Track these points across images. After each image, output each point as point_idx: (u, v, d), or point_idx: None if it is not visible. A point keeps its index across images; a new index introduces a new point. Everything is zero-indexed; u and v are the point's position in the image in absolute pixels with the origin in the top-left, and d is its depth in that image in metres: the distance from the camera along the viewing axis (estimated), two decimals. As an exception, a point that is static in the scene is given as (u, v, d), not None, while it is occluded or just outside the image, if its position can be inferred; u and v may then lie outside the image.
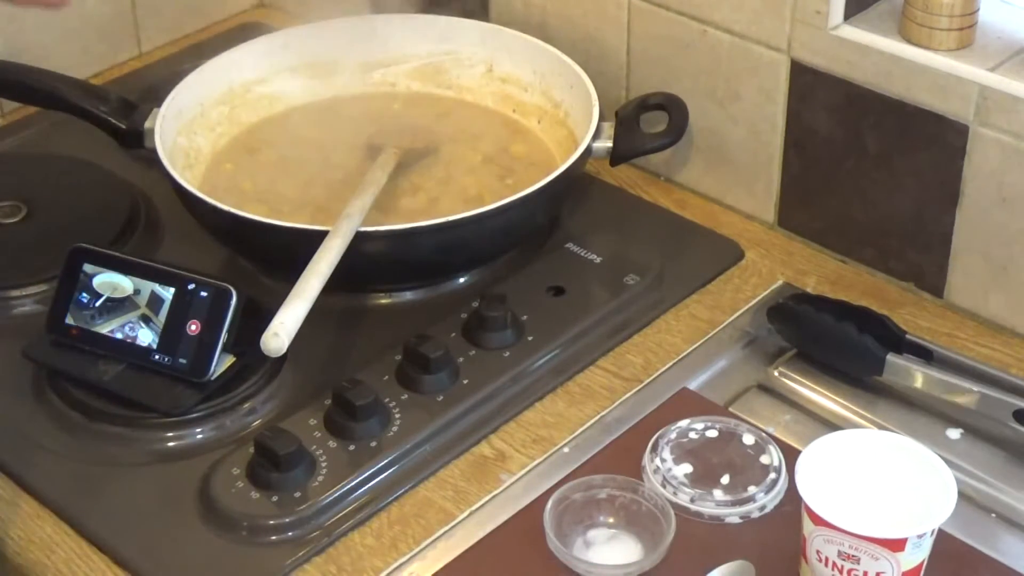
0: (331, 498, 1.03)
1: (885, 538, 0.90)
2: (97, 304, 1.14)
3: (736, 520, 1.02)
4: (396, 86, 1.43)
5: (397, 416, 1.09)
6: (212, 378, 1.11)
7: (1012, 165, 1.13)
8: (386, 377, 1.12)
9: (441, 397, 1.11)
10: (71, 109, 1.33)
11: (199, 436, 1.10)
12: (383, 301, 1.23)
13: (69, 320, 1.14)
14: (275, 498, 1.03)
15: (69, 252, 1.15)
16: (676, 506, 1.02)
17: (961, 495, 0.93)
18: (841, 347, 1.14)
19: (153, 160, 1.25)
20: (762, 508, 1.03)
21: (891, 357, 1.12)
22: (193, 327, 1.11)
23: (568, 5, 1.38)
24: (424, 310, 1.21)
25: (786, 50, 1.23)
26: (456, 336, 1.15)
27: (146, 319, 1.12)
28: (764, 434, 1.07)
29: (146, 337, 1.12)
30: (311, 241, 1.12)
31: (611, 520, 1.02)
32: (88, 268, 1.14)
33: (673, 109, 1.31)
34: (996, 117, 1.12)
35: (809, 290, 1.23)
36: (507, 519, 1.03)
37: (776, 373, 1.17)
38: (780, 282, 1.25)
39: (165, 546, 1.02)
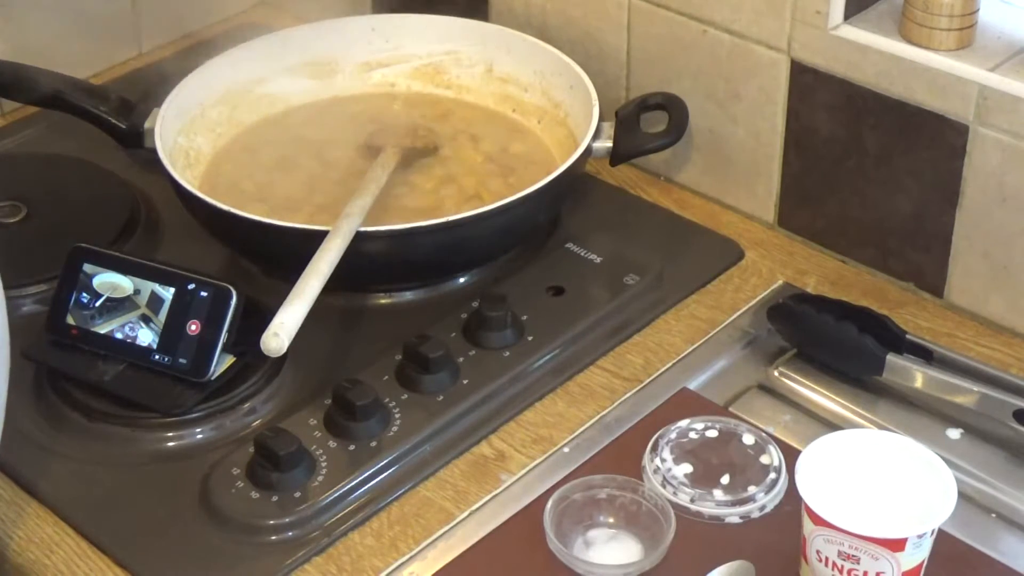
0: (331, 498, 1.03)
1: (885, 538, 0.90)
2: (97, 304, 1.14)
3: (736, 520, 1.02)
4: (396, 86, 1.43)
5: (397, 416, 1.09)
6: (212, 378, 1.11)
7: (1012, 165, 1.13)
8: (386, 377, 1.12)
9: (441, 397, 1.11)
10: (71, 109, 1.33)
11: (199, 436, 1.10)
12: (383, 301, 1.23)
13: (69, 320, 1.14)
14: (275, 498, 1.03)
15: (69, 252, 1.15)
16: (676, 506, 1.02)
17: (961, 495, 0.93)
18: (841, 347, 1.14)
19: (153, 160, 1.25)
20: (762, 508, 1.03)
21: (891, 357, 1.12)
22: (193, 327, 1.11)
23: (568, 5, 1.38)
24: (424, 310, 1.21)
25: (786, 50, 1.23)
26: (456, 336, 1.15)
27: (146, 319, 1.12)
28: (764, 434, 1.07)
29: (146, 337, 1.12)
30: (311, 241, 1.12)
31: (611, 520, 1.02)
32: (88, 268, 1.14)
33: (673, 109, 1.31)
34: (996, 117, 1.12)
35: (809, 290, 1.24)
36: (507, 519, 1.03)
37: (776, 373, 1.17)
38: (780, 282, 1.25)
39: (165, 546, 1.02)
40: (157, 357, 1.12)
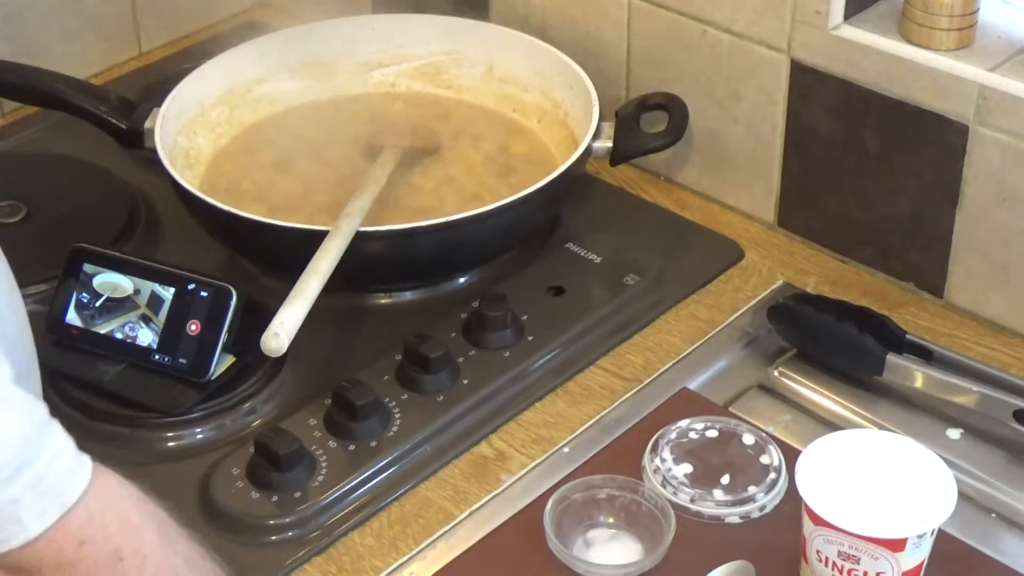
0: (331, 498, 1.03)
1: (885, 538, 0.90)
2: (97, 304, 1.14)
3: (736, 520, 1.02)
4: (396, 86, 1.43)
5: (397, 416, 1.09)
6: (212, 378, 1.11)
7: (1012, 165, 1.13)
8: (386, 377, 1.12)
9: (441, 397, 1.11)
10: (71, 109, 1.33)
11: (199, 436, 1.10)
12: (383, 301, 1.23)
13: (69, 320, 1.14)
14: (275, 498, 1.03)
15: (69, 252, 1.15)
16: (676, 506, 1.02)
17: (961, 495, 0.93)
18: (841, 347, 1.14)
19: (153, 160, 1.25)
20: (762, 508, 1.03)
21: (891, 357, 1.12)
22: (193, 327, 1.11)
23: (568, 5, 1.38)
24: (424, 310, 1.21)
25: (786, 50, 1.23)
26: (456, 336, 1.15)
27: (146, 319, 1.12)
28: (764, 434, 1.07)
29: (146, 337, 1.12)
30: (311, 241, 1.12)
31: (611, 520, 1.02)
32: (88, 268, 1.14)
33: (673, 109, 1.30)
34: (996, 117, 1.12)
35: (809, 290, 1.23)
36: (507, 519, 1.03)
37: (776, 373, 1.17)
38: (780, 282, 1.25)
39: (165, 546, 1.02)
40: (157, 357, 1.11)
